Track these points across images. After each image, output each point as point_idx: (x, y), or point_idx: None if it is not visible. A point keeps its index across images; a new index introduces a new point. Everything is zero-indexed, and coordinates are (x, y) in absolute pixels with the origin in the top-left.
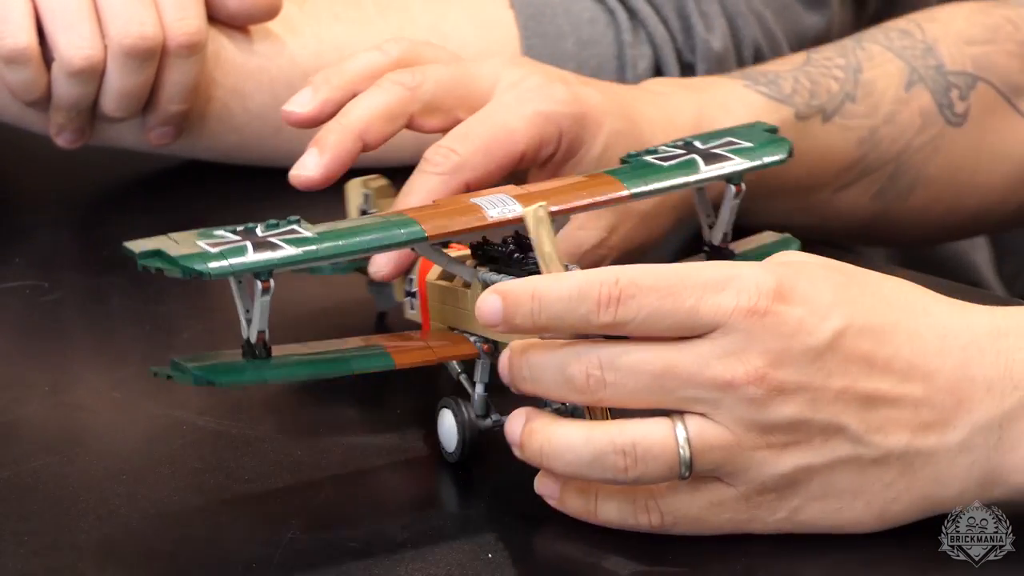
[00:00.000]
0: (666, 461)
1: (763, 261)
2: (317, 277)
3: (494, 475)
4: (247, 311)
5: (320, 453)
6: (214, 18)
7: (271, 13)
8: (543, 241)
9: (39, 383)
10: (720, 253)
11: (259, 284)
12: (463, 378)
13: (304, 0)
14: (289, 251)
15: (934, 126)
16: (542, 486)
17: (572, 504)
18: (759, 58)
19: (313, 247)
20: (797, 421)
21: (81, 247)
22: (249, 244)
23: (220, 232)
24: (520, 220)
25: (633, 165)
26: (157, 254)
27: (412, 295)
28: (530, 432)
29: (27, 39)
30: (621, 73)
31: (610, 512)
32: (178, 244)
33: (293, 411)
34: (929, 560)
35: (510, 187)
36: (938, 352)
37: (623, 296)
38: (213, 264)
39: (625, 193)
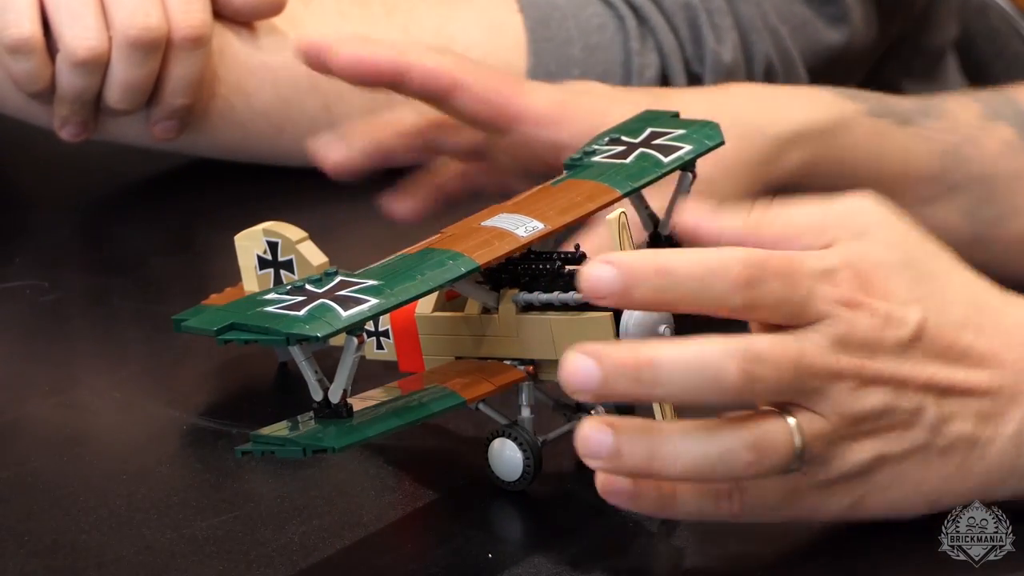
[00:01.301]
0: (786, 454)
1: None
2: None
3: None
4: (316, 372)
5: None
6: (219, 14)
7: (276, 9)
8: (625, 247)
9: (39, 383)
10: (670, 241)
11: (355, 340)
12: (483, 407)
13: None
14: (375, 301)
15: (1022, 157)
16: (612, 487)
17: (647, 501)
18: (770, 73)
19: (392, 292)
20: (885, 410)
21: (81, 247)
22: (330, 301)
23: (272, 295)
24: (548, 235)
25: (595, 167)
26: (232, 327)
27: (379, 335)
28: (630, 440)
29: (31, 29)
30: (627, 81)
31: (689, 504)
32: (240, 312)
33: (293, 412)
34: (929, 560)
35: (502, 205)
36: (1005, 346)
37: (755, 279)
38: (317, 324)
39: (618, 195)
